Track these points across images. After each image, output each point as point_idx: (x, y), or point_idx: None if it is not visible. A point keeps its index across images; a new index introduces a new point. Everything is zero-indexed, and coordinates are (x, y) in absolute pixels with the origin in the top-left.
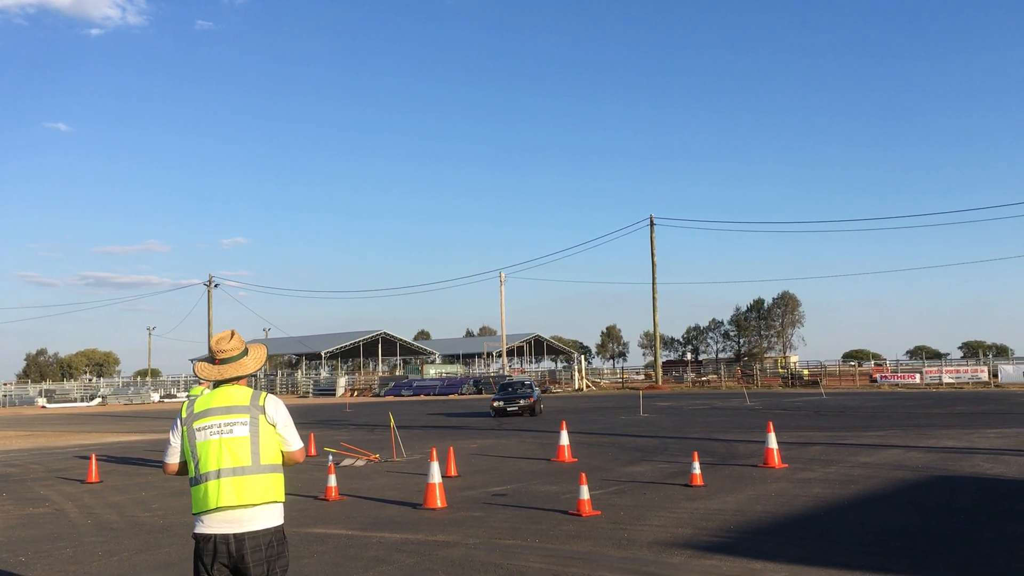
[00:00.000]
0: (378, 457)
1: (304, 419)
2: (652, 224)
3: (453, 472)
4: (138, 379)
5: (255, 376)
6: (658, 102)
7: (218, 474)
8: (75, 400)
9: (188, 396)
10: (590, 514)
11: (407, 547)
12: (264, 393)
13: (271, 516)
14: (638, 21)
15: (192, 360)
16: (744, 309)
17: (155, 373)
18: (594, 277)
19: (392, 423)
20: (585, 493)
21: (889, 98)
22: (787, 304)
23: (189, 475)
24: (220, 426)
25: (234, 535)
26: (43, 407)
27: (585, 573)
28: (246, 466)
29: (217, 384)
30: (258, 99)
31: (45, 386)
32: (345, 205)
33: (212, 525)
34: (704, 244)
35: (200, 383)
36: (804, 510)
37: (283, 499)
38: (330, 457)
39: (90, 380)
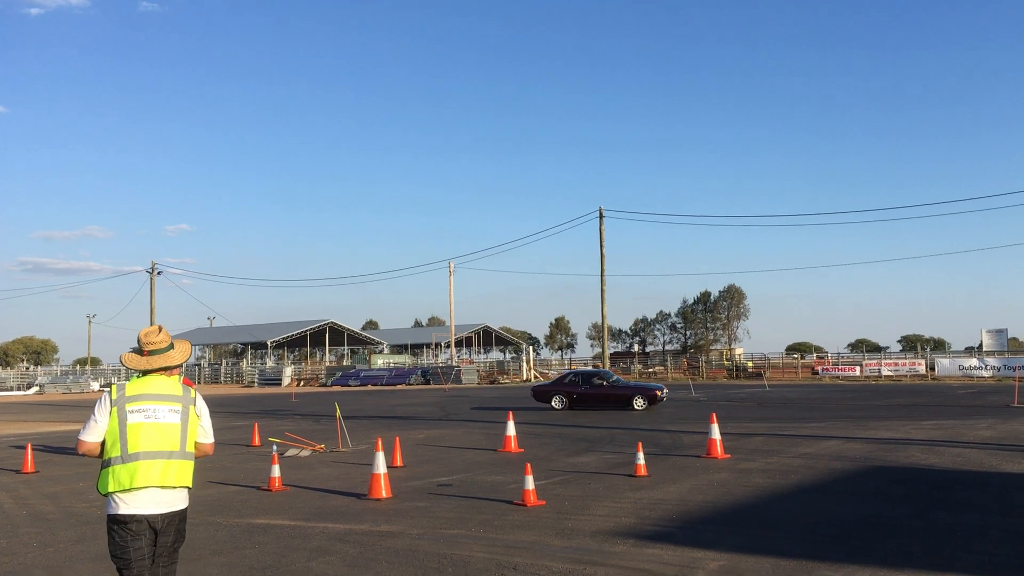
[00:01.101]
0: (323, 447)
1: (249, 409)
2: (601, 216)
3: (399, 462)
4: (77, 368)
5: (199, 366)
6: (608, 93)
7: (148, 455)
8: (11, 389)
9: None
10: (535, 504)
11: (350, 537)
12: (192, 388)
13: (185, 498)
14: (588, 10)
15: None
16: (691, 302)
17: (95, 362)
18: (543, 268)
19: (338, 413)
20: (530, 483)
21: (833, 90)
22: (733, 297)
23: (108, 455)
24: (155, 411)
25: (160, 515)
26: None
27: (528, 562)
28: (174, 451)
29: (143, 373)
30: (202, 83)
31: None
32: (292, 192)
33: (139, 505)
34: (653, 237)
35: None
36: (745, 499)
37: (191, 484)
38: (274, 447)
39: (27, 368)
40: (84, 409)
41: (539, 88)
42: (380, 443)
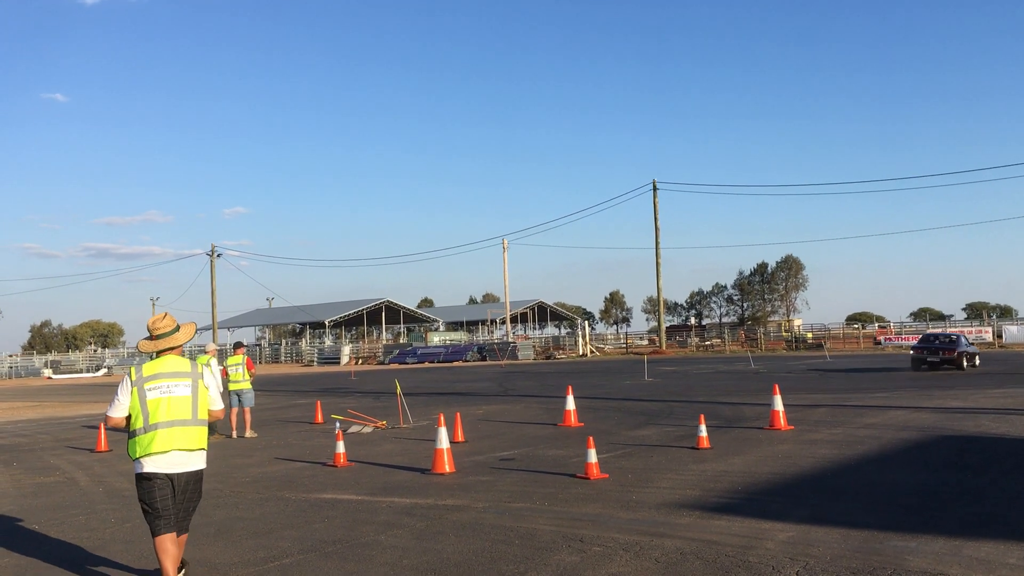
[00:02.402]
0: (385, 424)
1: (309, 387)
2: (655, 189)
3: (460, 438)
4: None
5: (259, 346)
6: (661, 64)
7: (166, 424)
8: (81, 371)
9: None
10: (598, 477)
11: (417, 511)
12: (200, 363)
13: (201, 459)
14: None
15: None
16: (748, 273)
17: None
18: (597, 243)
19: (399, 390)
20: (593, 456)
21: (890, 55)
22: (791, 268)
23: (133, 427)
24: (168, 387)
25: (177, 474)
26: (49, 378)
27: (594, 535)
28: (186, 419)
29: (157, 355)
30: (257, 66)
31: (50, 357)
32: (346, 174)
33: (160, 466)
34: (708, 208)
35: (206, 352)
36: (811, 471)
37: (207, 447)
38: (338, 424)
39: (95, 351)
40: None
41: (594, 60)
42: (442, 419)
